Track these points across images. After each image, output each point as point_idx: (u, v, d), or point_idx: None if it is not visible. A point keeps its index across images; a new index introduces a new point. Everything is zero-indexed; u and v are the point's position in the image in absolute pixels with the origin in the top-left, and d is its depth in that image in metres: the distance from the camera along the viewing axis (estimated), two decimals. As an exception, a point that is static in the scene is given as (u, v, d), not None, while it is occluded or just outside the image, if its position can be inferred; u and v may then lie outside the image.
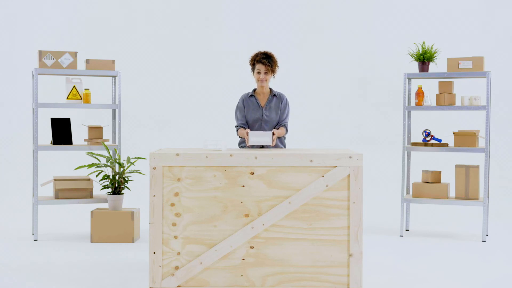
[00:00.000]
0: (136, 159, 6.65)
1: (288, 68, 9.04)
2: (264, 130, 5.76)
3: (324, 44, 9.39)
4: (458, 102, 9.58)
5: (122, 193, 6.59)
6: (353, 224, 4.40)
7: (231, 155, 4.43)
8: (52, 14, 9.25)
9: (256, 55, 5.75)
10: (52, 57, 6.59)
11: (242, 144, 5.85)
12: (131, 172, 6.61)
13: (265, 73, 5.72)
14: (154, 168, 4.42)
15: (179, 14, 9.38)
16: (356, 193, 4.40)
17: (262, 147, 5.71)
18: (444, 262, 5.65)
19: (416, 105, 6.85)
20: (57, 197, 6.64)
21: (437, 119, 9.08)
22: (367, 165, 8.73)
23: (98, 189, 8.14)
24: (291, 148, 5.54)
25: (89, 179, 6.76)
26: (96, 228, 6.39)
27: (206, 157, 4.43)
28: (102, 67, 6.77)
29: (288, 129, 5.95)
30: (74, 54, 6.66)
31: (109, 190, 6.63)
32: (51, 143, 6.76)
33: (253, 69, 5.80)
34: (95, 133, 6.84)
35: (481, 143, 7.83)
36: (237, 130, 5.81)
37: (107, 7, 9.31)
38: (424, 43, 6.92)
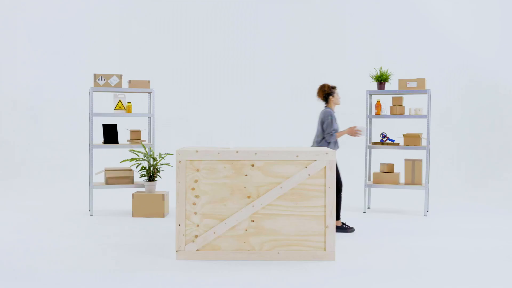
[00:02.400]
0: (166, 154, 6.63)
1: (281, 79, 8.99)
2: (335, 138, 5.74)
3: (301, 65, 9.35)
4: (406, 112, 9.55)
5: (155, 180, 6.57)
6: (328, 203, 4.39)
7: (237, 152, 4.42)
8: (103, 44, 9.22)
9: (334, 87, 5.78)
10: (103, 78, 6.57)
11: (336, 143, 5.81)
12: (162, 164, 6.59)
13: None
14: (179, 161, 4.40)
15: (196, 37, 9.34)
16: (331, 180, 4.38)
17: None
18: (395, 231, 5.63)
19: (375, 114, 6.83)
20: (107, 183, 6.63)
21: (391, 125, 9.07)
22: (339, 159, 8.69)
23: (137, 177, 8.13)
24: (282, 146, 5.52)
25: (131, 170, 6.74)
26: (136, 206, 6.37)
27: (218, 153, 4.41)
28: (140, 85, 6.75)
29: None
30: (120, 76, 6.64)
31: (146, 178, 6.62)
32: (102, 143, 6.74)
33: (333, 93, 5.73)
34: (135, 135, 6.83)
35: (424, 142, 7.81)
36: (333, 134, 5.66)
37: (144, 39, 9.29)
38: (381, 68, 6.90)
